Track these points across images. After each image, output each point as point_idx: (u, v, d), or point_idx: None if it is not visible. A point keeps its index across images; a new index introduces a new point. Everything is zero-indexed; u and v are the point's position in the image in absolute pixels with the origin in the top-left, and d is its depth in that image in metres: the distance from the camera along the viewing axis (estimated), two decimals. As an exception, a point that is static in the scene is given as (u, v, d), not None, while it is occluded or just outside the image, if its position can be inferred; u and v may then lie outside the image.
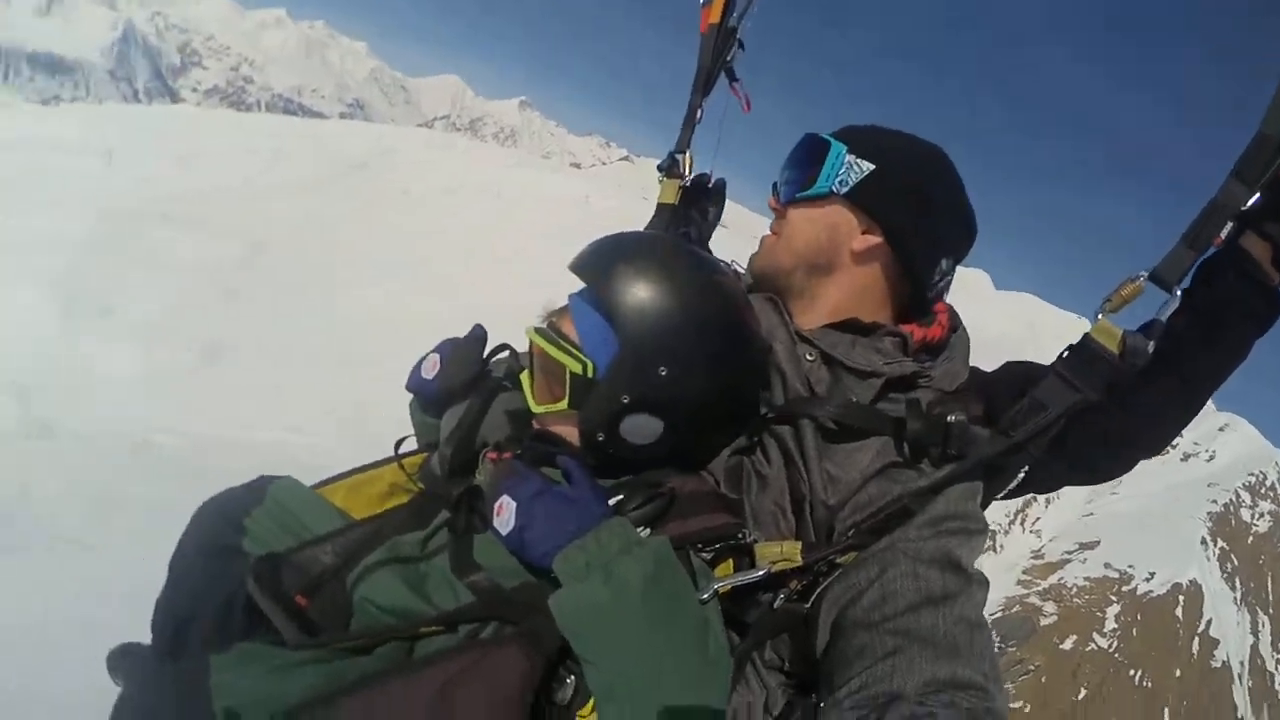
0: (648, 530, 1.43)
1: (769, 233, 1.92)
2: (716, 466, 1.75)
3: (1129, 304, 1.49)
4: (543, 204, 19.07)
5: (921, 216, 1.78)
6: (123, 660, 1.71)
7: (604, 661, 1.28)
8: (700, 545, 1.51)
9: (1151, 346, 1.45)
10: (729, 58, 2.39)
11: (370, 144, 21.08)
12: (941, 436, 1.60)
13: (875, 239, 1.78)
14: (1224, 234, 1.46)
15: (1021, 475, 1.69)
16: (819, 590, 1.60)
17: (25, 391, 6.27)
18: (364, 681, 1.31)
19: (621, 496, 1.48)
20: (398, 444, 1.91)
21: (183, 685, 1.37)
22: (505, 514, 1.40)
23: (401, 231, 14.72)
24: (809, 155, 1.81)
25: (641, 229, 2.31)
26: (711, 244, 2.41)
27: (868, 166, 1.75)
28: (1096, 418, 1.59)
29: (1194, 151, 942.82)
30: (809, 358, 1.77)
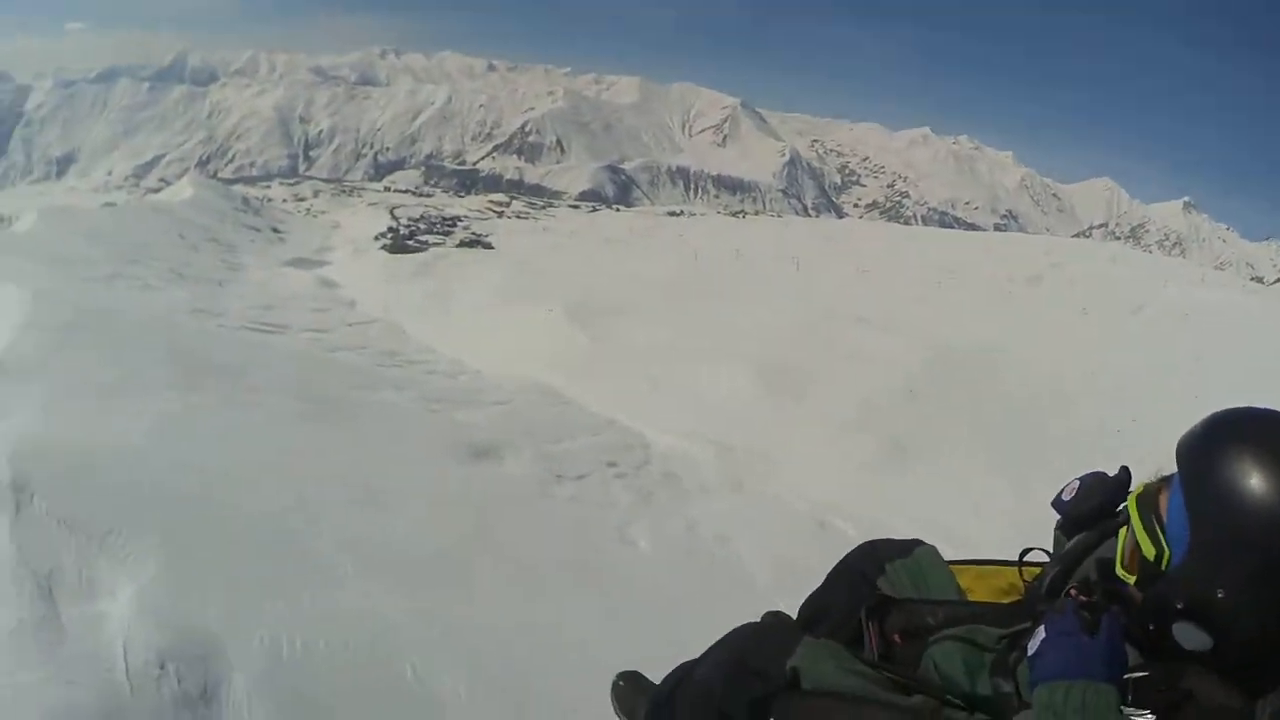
0: (1151, 718, 1.41)
1: None
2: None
3: None
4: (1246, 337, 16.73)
5: None
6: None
7: None
8: None
9: None
10: None
11: (1037, 256, 20.59)
12: None
13: None
14: None
15: None
16: None
17: (725, 450, 6.99)
18: (883, 704, 1.71)
19: (1146, 674, 1.49)
20: (1023, 553, 2.10)
21: (781, 639, 1.97)
22: (1037, 638, 1.56)
23: (1086, 351, 13.91)
24: None
25: None
26: None
27: None
28: None
29: None
30: None
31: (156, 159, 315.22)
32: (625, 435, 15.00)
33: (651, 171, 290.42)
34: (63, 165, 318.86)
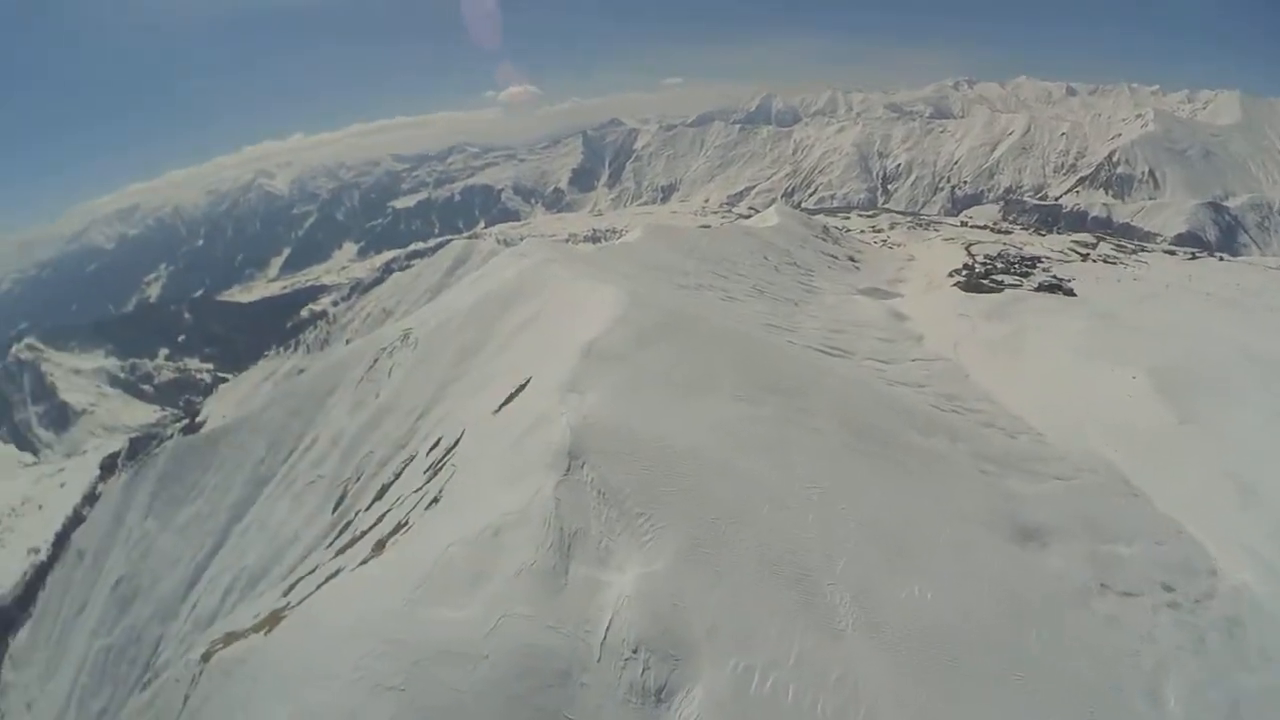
0: None
1: None
2: None
3: None
4: None
5: None
6: None
7: None
8: None
9: None
10: None
11: None
12: None
13: None
14: None
15: None
16: None
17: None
18: None
19: None
20: None
21: None
22: None
23: None
24: None
25: None
26: None
27: None
28: None
29: None
30: None
31: (747, 189, 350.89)
32: (1192, 552, 12.79)
33: (1261, 211, 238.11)
34: (666, 193, 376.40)
